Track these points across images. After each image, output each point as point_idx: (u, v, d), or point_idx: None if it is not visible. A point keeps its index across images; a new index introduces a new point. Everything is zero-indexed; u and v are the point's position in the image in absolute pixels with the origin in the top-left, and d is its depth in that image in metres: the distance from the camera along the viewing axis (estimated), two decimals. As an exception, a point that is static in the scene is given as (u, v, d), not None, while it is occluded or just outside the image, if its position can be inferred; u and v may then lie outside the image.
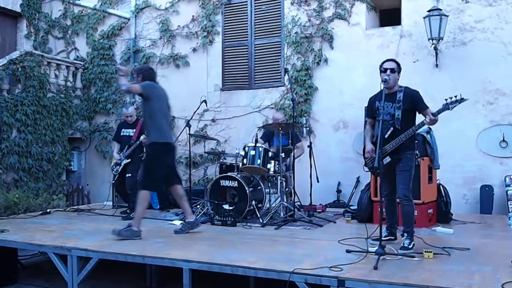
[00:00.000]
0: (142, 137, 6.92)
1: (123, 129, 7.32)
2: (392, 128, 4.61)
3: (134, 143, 7.01)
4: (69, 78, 10.20)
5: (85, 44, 10.63)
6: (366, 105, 5.09)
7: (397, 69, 4.72)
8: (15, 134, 8.79)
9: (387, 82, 4.61)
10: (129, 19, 10.21)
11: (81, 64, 10.44)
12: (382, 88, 4.66)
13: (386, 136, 4.60)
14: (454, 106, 4.45)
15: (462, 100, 4.42)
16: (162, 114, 5.53)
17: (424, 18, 7.42)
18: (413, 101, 4.63)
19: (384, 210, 4.77)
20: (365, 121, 5.18)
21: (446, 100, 4.46)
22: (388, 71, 4.64)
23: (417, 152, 4.88)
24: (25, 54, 9.23)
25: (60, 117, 9.68)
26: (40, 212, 7.54)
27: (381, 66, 4.75)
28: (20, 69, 9.05)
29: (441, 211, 6.19)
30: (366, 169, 5.14)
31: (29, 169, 8.90)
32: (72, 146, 10.25)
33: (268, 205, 6.79)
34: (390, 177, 4.72)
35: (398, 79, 4.77)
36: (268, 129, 7.30)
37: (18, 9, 10.77)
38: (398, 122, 4.60)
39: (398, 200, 4.75)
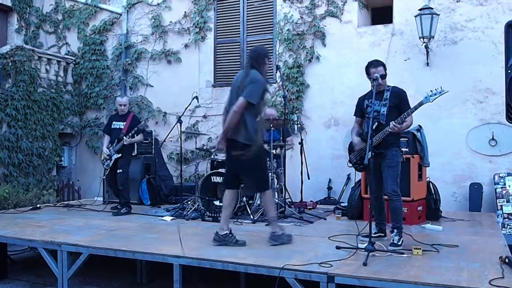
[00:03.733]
0: (124, 140, 6.92)
1: (114, 122, 7.25)
2: (376, 123, 4.66)
3: (123, 137, 6.97)
4: (60, 73, 10.15)
5: (77, 39, 10.59)
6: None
7: (385, 73, 4.76)
8: (5, 129, 8.73)
9: (379, 82, 4.65)
10: (121, 14, 10.16)
11: (72, 59, 10.39)
12: (372, 87, 4.71)
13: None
14: (435, 98, 4.50)
15: (442, 92, 4.46)
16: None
17: (416, 16, 7.46)
18: (399, 99, 4.70)
19: (372, 207, 4.81)
20: None
21: (427, 92, 4.51)
22: (380, 80, 4.66)
23: (402, 149, 4.92)
24: (16, 49, 9.16)
25: (50, 112, 9.64)
26: (30, 207, 7.51)
27: (368, 69, 4.77)
28: (10, 64, 8.99)
29: (431, 209, 6.23)
30: (350, 165, 5.18)
31: (19, 164, 8.86)
32: (62, 142, 10.20)
33: (259, 202, 6.81)
34: (376, 174, 4.76)
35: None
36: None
37: (9, 3, 10.67)
38: (382, 118, 4.66)
39: (386, 196, 4.78)
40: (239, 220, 6.14)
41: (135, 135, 7.03)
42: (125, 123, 7.11)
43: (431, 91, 4.51)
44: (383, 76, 4.70)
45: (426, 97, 4.51)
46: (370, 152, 4.34)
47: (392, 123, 4.56)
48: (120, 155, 7.01)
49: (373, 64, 4.77)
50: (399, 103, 4.68)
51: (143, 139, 7.52)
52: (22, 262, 6.60)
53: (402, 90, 4.80)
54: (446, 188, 7.32)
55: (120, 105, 7.22)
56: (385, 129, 4.61)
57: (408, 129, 5.00)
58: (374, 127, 4.62)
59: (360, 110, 5.00)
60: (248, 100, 4.59)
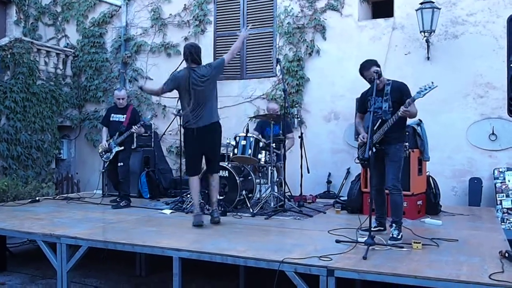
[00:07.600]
0: (134, 128, 6.87)
1: (112, 114, 7.20)
2: (380, 120, 4.65)
3: (125, 130, 6.95)
4: (59, 66, 10.12)
5: (76, 31, 10.55)
6: (358, 97, 5.11)
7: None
8: (4, 121, 8.71)
9: (379, 75, 4.63)
10: (120, 7, 10.11)
11: (71, 51, 10.35)
12: (373, 83, 4.68)
13: (375, 128, 4.63)
14: (426, 93, 4.43)
15: (432, 86, 4.41)
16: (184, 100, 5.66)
17: (417, 10, 7.43)
18: (400, 93, 4.65)
19: (373, 200, 4.80)
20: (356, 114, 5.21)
21: (420, 88, 4.45)
22: (376, 76, 4.64)
23: (406, 144, 4.90)
24: (15, 41, 9.12)
25: (49, 104, 9.61)
26: (29, 200, 7.49)
27: (362, 73, 4.78)
28: (9, 56, 8.95)
29: (430, 203, 6.23)
30: (357, 161, 5.16)
31: (18, 156, 8.84)
32: (61, 134, 10.18)
33: (258, 195, 6.82)
34: (379, 168, 4.75)
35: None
36: (261, 120, 7.30)
37: (7, -6, 10.64)
38: (385, 114, 4.64)
39: (387, 190, 4.78)
40: (238, 214, 6.14)
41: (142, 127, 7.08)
42: (125, 115, 7.08)
43: (423, 86, 4.43)
44: (373, 79, 4.65)
45: (418, 92, 4.45)
46: (372, 148, 4.33)
47: (402, 108, 4.48)
48: (122, 147, 6.98)
49: (365, 67, 4.75)
50: (401, 96, 4.62)
51: (143, 132, 7.51)
52: (21, 255, 6.60)
53: (402, 83, 4.76)
54: (446, 182, 7.32)
55: (119, 98, 7.18)
56: (389, 120, 4.56)
57: (409, 122, 4.97)
58: (378, 124, 4.62)
59: (363, 106, 4.94)
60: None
